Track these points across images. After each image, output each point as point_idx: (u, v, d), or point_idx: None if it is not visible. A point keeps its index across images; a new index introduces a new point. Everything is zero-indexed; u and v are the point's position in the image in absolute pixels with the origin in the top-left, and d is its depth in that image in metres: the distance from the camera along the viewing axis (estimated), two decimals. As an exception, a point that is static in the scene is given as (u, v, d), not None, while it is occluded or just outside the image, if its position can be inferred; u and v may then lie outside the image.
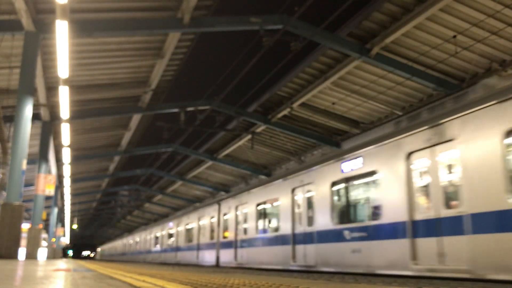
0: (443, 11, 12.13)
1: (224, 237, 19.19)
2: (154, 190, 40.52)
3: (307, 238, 12.40)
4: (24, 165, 12.45)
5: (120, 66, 17.54)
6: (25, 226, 17.16)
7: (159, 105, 20.72)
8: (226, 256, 18.61)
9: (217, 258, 19.61)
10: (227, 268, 17.31)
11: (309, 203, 12.68)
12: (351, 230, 10.56)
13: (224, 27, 14.14)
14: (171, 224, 29.71)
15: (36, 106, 16.44)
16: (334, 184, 11.58)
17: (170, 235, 29.68)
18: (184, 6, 13.20)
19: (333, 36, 13.87)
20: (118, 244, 58.49)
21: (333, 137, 21.03)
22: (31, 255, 17.94)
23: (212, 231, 20.97)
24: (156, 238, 34.04)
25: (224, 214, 19.40)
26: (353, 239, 10.38)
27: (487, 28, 12.14)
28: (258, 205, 16.02)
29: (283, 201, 14.04)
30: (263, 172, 27.49)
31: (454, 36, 12.85)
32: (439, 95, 15.35)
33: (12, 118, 14.02)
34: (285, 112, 19.17)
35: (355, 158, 10.81)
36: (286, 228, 13.67)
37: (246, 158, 26.79)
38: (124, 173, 35.30)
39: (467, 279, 7.58)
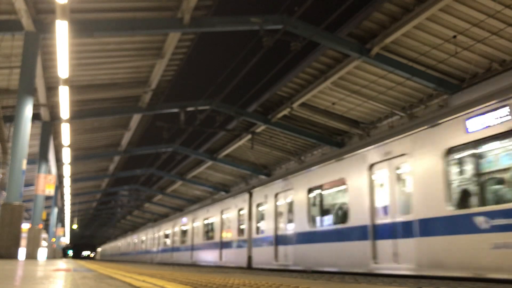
0: (443, 11, 12.13)
1: (259, 233, 15.92)
2: (154, 190, 40.55)
3: (400, 230, 9.25)
4: (24, 165, 12.45)
5: (120, 66, 17.55)
6: (25, 226, 17.18)
7: (159, 105, 20.74)
8: (262, 255, 15.23)
9: (249, 258, 16.20)
10: (265, 270, 14.25)
11: (401, 182, 9.55)
12: (493, 215, 7.33)
13: (224, 27, 14.15)
14: (184, 219, 26.14)
15: (36, 106, 16.46)
16: (451, 151, 8.36)
17: (184, 232, 26.08)
18: (184, 6, 13.21)
19: (333, 36, 13.87)
20: (121, 244, 54.49)
21: (333, 137, 21.04)
22: (31, 255, 17.95)
23: (240, 225, 17.57)
24: (166, 235, 30.38)
25: (258, 205, 16.07)
26: (498, 229, 7.22)
27: (487, 28, 12.14)
28: (310, 190, 12.78)
29: (354, 183, 10.80)
30: (263, 172, 27.50)
31: (454, 36, 12.85)
32: (439, 95, 15.36)
33: (12, 118, 14.02)
34: (285, 112, 19.18)
35: (494, 109, 7.62)
36: (359, 217, 10.42)
37: (246, 158, 26.79)
38: (124, 173, 35.32)
39: (467, 279, 7.55)
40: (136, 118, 22.89)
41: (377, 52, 13.86)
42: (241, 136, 23.10)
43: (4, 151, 17.56)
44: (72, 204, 41.45)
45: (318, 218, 12.54)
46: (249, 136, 22.23)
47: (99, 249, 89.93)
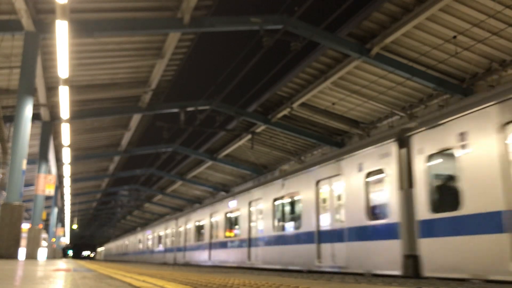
0: (443, 11, 12.14)
1: (439, 210, 7.98)
2: (154, 190, 40.56)
3: None
4: (24, 165, 12.45)
5: (120, 66, 17.55)
6: (25, 226, 17.17)
7: (159, 105, 20.75)
8: (462, 253, 7.44)
9: (409, 260, 8.53)
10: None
11: None
12: None
13: (224, 27, 14.16)
14: (233, 203, 17.69)
15: (36, 106, 16.45)
16: None
17: (233, 221, 18.18)
18: (184, 6, 13.22)
19: (333, 36, 13.88)
20: (129, 241, 45.05)
21: (333, 137, 21.05)
22: (31, 255, 17.95)
23: (371, 202, 9.84)
24: (200, 228, 21.91)
25: (430, 158, 8.34)
26: None
27: (487, 28, 12.14)
28: None
29: None
30: (263, 172, 27.51)
31: (454, 36, 12.86)
32: (439, 95, 15.37)
33: (12, 118, 14.02)
34: (285, 112, 19.18)
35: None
36: None
37: (246, 158, 26.80)
38: (124, 173, 35.33)
39: (467, 279, 7.55)
40: (136, 118, 22.90)
41: (377, 52, 13.87)
42: (241, 136, 23.11)
43: (4, 151, 17.56)
44: (72, 204, 41.44)
45: None
46: (249, 136, 22.23)
47: (100, 249, 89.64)
